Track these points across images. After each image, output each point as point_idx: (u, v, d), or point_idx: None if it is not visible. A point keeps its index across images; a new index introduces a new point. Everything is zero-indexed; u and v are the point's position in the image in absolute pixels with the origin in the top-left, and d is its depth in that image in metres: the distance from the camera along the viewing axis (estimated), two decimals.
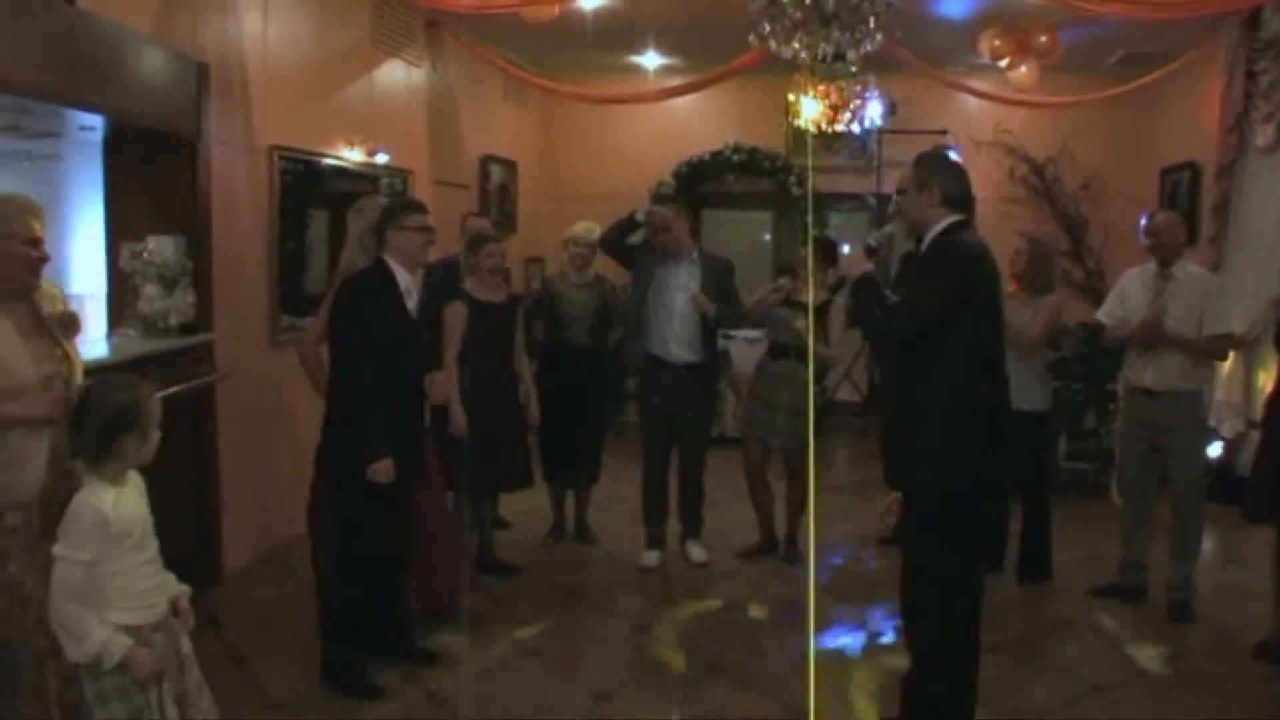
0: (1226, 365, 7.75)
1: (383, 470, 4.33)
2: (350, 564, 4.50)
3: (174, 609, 3.13)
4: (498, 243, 5.89)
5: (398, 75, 7.95)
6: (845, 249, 6.77)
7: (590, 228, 6.52)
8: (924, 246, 4.00)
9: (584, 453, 6.55)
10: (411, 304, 4.56)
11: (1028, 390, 5.76)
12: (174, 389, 4.66)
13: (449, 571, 5.25)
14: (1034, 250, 6.08)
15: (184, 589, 3.19)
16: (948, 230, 3.93)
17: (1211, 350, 5.52)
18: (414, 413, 4.68)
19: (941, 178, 3.98)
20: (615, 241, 6.24)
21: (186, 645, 3.15)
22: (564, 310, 6.37)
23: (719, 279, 6.18)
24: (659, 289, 6.13)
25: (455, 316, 5.40)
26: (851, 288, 4.20)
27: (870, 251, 4.36)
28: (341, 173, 7.02)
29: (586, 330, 6.42)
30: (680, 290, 6.11)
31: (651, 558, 6.27)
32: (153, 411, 3.02)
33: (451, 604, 5.28)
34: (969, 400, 3.81)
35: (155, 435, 3.04)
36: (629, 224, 6.19)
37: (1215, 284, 5.70)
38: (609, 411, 7.73)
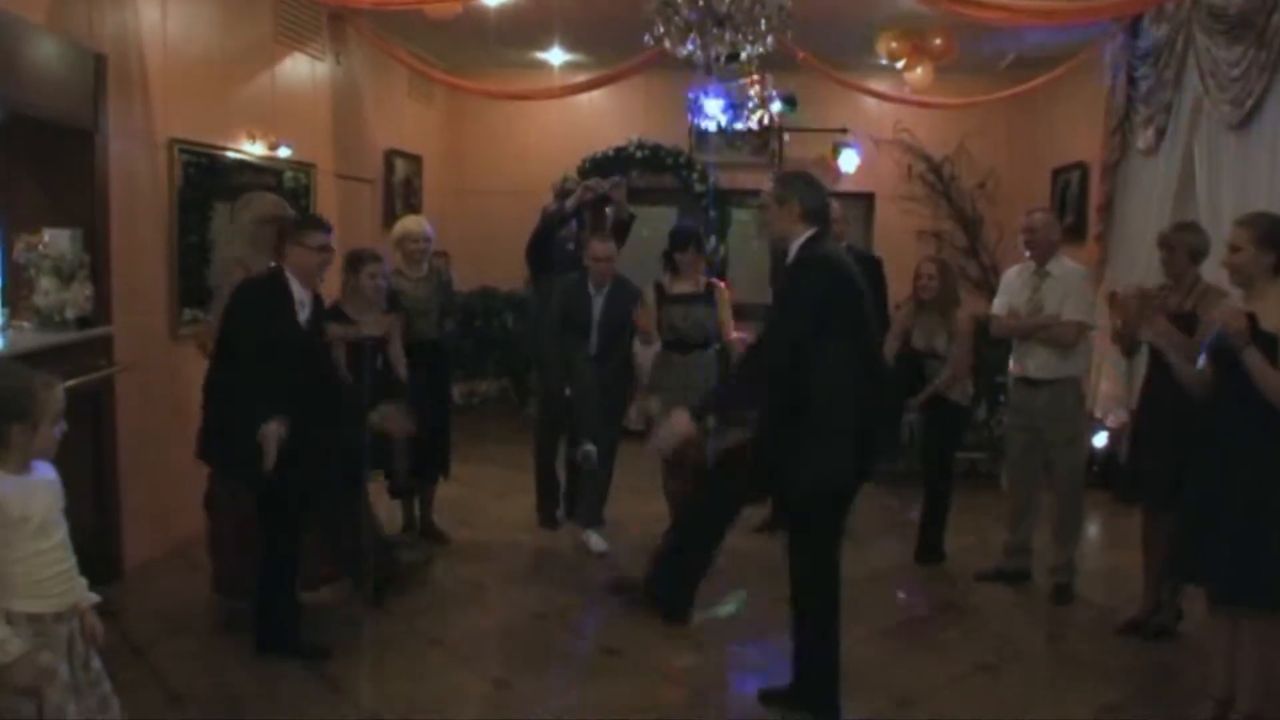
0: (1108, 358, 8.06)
1: (271, 433, 4.40)
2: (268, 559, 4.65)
3: (81, 623, 3.12)
4: (379, 261, 5.70)
5: (301, 69, 7.93)
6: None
7: (420, 221, 6.55)
8: (790, 259, 4.20)
9: (436, 446, 6.35)
10: (304, 316, 4.63)
11: (952, 385, 6.16)
12: (71, 382, 4.65)
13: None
14: (944, 273, 6.37)
15: (91, 597, 3.17)
16: (809, 242, 4.16)
17: (1058, 333, 5.68)
18: (300, 421, 4.66)
19: (801, 193, 4.20)
20: (546, 240, 6.42)
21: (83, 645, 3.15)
22: (407, 306, 6.16)
23: (623, 306, 6.35)
24: (577, 307, 6.32)
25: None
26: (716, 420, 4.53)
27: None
28: (245, 166, 6.98)
29: (433, 324, 6.34)
30: (593, 314, 6.34)
31: (599, 543, 6.41)
32: (47, 401, 3.00)
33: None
34: (843, 405, 4.01)
35: (53, 426, 3.03)
36: (554, 223, 6.45)
37: (1083, 277, 5.94)
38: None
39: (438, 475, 6.51)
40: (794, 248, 4.18)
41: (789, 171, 4.62)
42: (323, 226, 4.80)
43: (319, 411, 4.74)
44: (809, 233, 4.16)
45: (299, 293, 4.59)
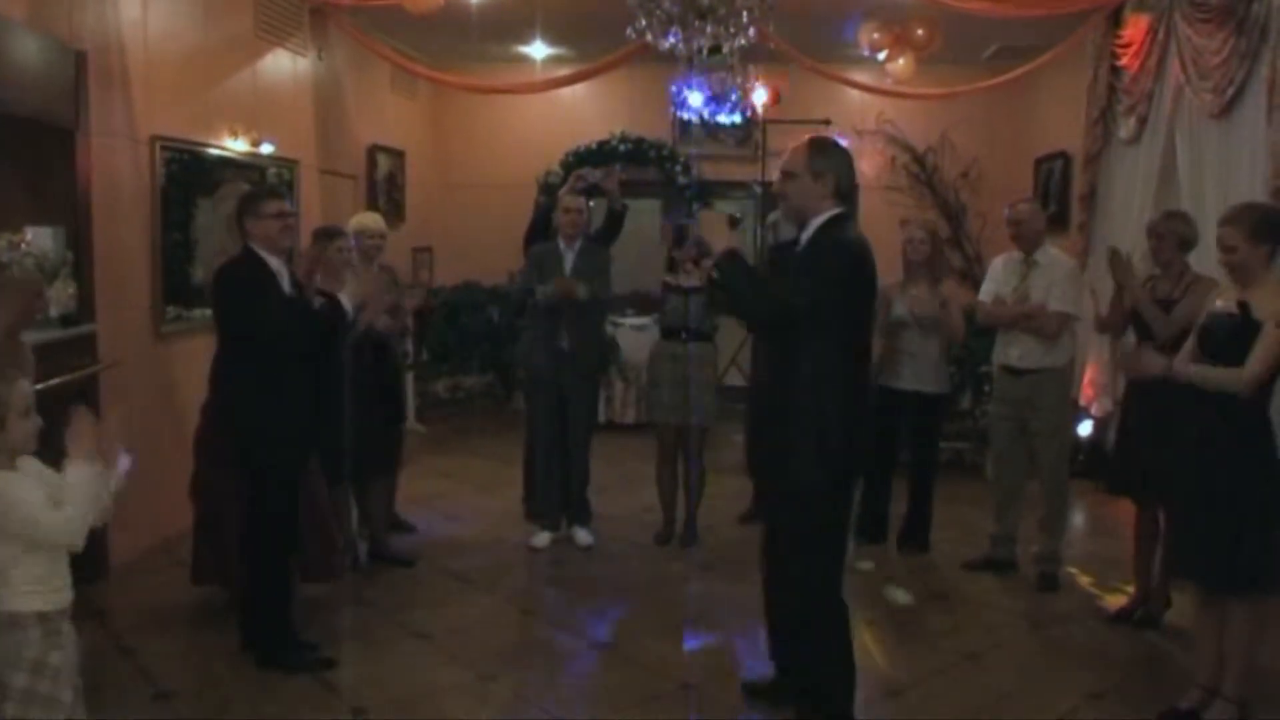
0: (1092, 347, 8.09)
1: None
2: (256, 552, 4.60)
3: None
4: (346, 236, 5.70)
5: (283, 65, 7.90)
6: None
7: (377, 218, 6.42)
8: (805, 238, 3.81)
9: (389, 441, 6.21)
10: (284, 285, 4.61)
11: (928, 374, 6.08)
12: (55, 380, 4.64)
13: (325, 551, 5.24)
14: (935, 240, 6.26)
15: None
16: (832, 223, 3.76)
17: (1041, 323, 5.68)
18: (308, 394, 4.69)
19: (839, 168, 3.80)
20: (543, 231, 6.41)
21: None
22: None
23: (593, 259, 6.29)
24: (549, 265, 6.22)
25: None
26: (716, 262, 3.79)
27: (734, 222, 4.11)
28: (227, 163, 6.96)
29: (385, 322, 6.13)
30: (565, 270, 6.23)
31: (543, 539, 6.37)
32: (8, 396, 2.95)
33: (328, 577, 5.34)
34: (837, 394, 3.74)
35: (23, 420, 2.98)
36: (547, 214, 6.38)
37: (1070, 268, 5.96)
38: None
39: (392, 469, 6.27)
40: (812, 225, 3.77)
41: (824, 139, 3.97)
42: (275, 193, 4.81)
43: (323, 379, 4.82)
44: (834, 212, 3.76)
45: (274, 264, 4.58)
